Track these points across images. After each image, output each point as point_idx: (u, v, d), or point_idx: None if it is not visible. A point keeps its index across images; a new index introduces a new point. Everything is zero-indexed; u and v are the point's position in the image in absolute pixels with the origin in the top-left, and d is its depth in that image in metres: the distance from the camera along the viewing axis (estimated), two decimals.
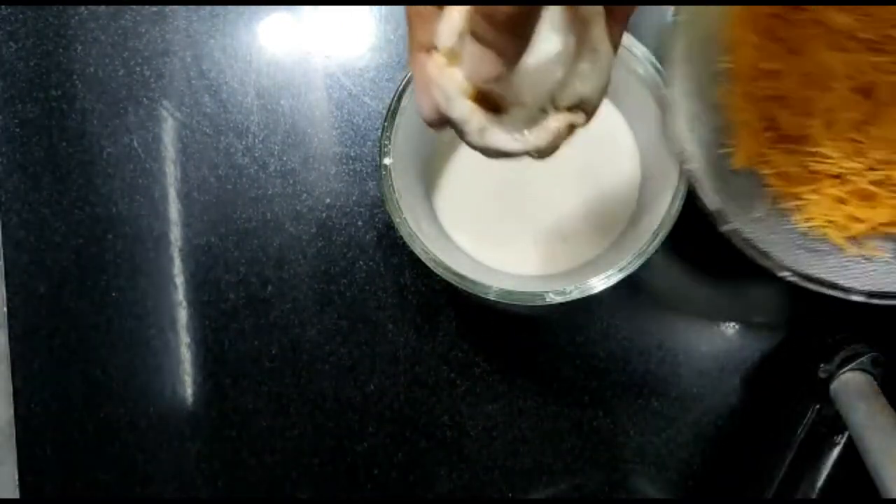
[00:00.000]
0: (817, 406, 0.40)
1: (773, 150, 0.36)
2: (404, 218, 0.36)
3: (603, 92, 0.28)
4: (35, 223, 0.44)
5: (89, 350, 0.44)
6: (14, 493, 0.44)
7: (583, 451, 0.43)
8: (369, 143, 0.43)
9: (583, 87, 0.27)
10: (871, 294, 0.34)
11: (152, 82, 0.44)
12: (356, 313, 0.43)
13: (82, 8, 0.44)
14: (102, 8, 0.44)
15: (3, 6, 0.45)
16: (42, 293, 0.44)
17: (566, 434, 0.43)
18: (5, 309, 0.44)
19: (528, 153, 0.28)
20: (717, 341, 0.43)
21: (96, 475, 0.44)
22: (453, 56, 0.26)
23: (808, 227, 0.36)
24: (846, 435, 0.39)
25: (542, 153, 0.28)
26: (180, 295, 0.44)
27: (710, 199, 0.34)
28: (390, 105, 0.36)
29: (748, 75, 0.36)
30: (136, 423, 0.44)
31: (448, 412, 0.43)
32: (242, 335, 0.43)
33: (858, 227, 0.36)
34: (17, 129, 0.44)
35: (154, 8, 0.44)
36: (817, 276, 0.34)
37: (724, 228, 0.34)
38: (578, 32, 0.27)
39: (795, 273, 0.34)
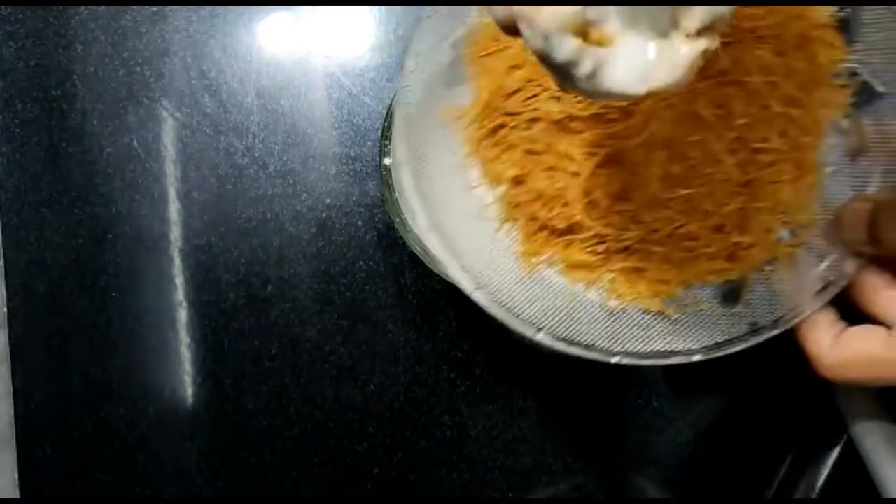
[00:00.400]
0: (818, 406, 0.40)
1: (554, 246, 0.37)
2: (404, 218, 0.36)
3: (736, 7, 0.23)
4: (35, 223, 0.44)
5: (89, 350, 0.44)
6: (14, 494, 0.44)
7: (583, 451, 0.43)
8: (369, 143, 0.43)
9: (705, 6, 0.22)
10: (709, 349, 0.34)
11: (152, 82, 0.44)
12: (356, 313, 0.43)
13: (82, 8, 0.44)
14: (102, 8, 0.44)
15: (3, 6, 0.45)
16: (42, 293, 0.44)
17: (566, 434, 0.43)
18: (5, 309, 0.44)
19: (651, 93, 0.23)
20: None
21: (96, 475, 0.44)
22: None
23: (621, 305, 0.36)
24: (846, 435, 0.39)
25: (669, 92, 0.23)
26: (180, 295, 0.44)
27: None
28: (390, 105, 0.36)
29: (500, 184, 0.37)
30: (136, 423, 0.44)
31: (448, 412, 0.43)
32: (242, 335, 0.43)
33: (667, 289, 0.36)
34: (17, 129, 0.44)
35: (154, 8, 0.44)
36: (650, 350, 0.35)
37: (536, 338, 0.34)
38: None
39: (627, 355, 0.34)
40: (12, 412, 0.44)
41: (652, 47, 0.23)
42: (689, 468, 0.43)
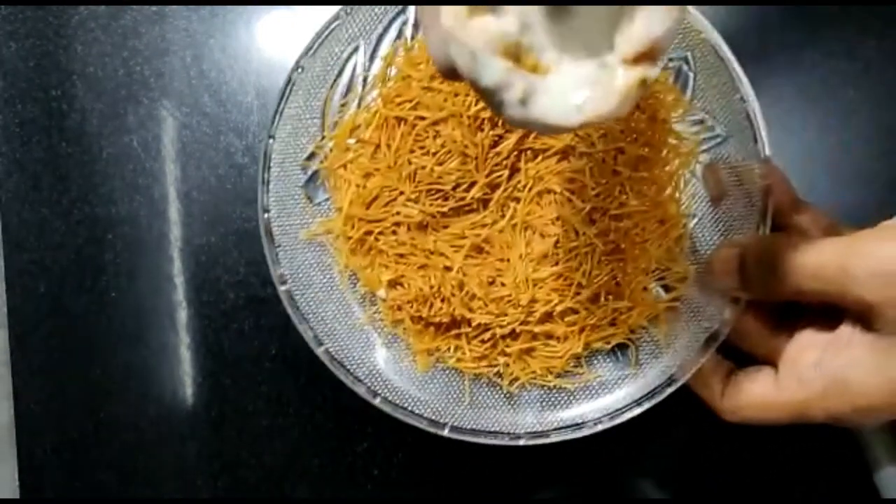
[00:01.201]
0: None
1: (443, 341, 0.38)
2: None
3: (676, 30, 0.21)
4: (35, 223, 0.44)
5: (89, 350, 0.44)
6: (14, 494, 0.44)
7: (583, 452, 0.43)
8: None
9: (652, 24, 0.21)
10: (611, 416, 0.36)
11: (152, 82, 0.44)
12: None
13: (82, 8, 0.44)
14: (102, 8, 0.44)
15: (3, 6, 0.45)
16: (42, 293, 0.44)
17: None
18: (5, 309, 0.44)
19: (586, 124, 0.22)
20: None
21: (96, 475, 0.44)
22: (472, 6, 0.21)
23: (518, 386, 0.38)
24: (847, 435, 0.39)
25: (604, 123, 0.22)
26: (180, 295, 0.44)
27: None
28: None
29: (378, 289, 0.38)
30: (136, 423, 0.44)
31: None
32: (242, 335, 0.43)
33: (559, 363, 0.37)
34: (17, 129, 0.44)
35: (154, 8, 0.44)
36: (555, 427, 0.36)
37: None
38: None
39: (533, 435, 0.36)
40: (12, 412, 0.44)
41: (588, 75, 0.22)
42: (689, 468, 0.43)
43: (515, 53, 0.21)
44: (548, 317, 0.37)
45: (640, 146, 0.37)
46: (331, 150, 0.39)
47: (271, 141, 0.37)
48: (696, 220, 0.38)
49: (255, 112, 0.44)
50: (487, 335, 0.37)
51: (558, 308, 0.37)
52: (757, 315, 0.35)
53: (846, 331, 0.31)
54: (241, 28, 0.44)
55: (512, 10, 0.21)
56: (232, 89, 0.44)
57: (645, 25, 0.21)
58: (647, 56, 0.21)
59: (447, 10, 0.21)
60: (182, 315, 0.44)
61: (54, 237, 0.44)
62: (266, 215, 0.37)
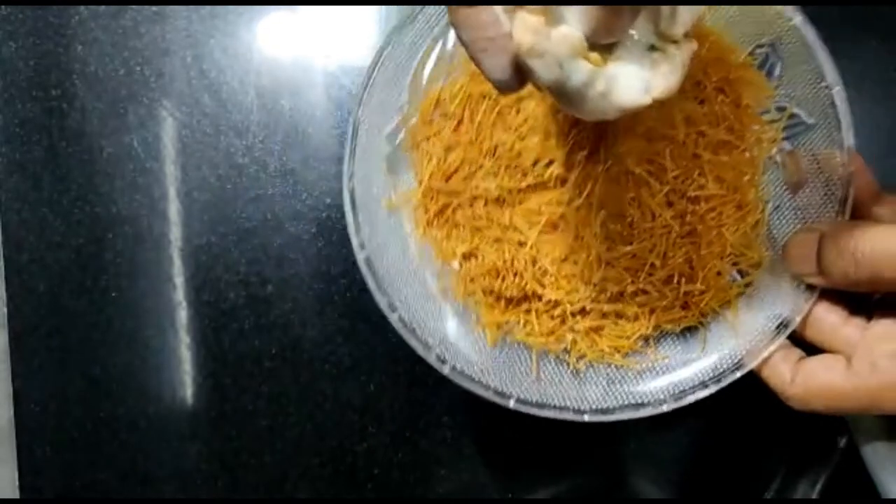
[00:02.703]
0: None
1: (513, 315, 0.38)
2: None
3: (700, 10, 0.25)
4: (35, 223, 0.44)
5: (89, 350, 0.44)
6: (14, 494, 0.44)
7: (583, 451, 0.43)
8: None
9: (693, 9, 0.25)
10: (675, 396, 0.35)
11: (152, 82, 0.44)
12: (356, 313, 0.43)
13: (82, 8, 0.44)
14: (102, 8, 0.44)
15: (2, 6, 0.45)
16: (42, 293, 0.44)
17: (566, 434, 0.43)
18: (5, 309, 0.44)
19: (655, 101, 0.25)
20: None
21: (96, 475, 0.44)
22: (547, 13, 0.23)
23: (585, 364, 0.38)
24: (847, 435, 0.39)
25: (668, 97, 0.25)
26: (180, 295, 0.44)
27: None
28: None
29: (453, 261, 0.38)
30: (136, 423, 0.44)
31: (448, 412, 0.43)
32: (242, 335, 0.44)
33: (627, 343, 0.37)
34: (17, 129, 0.44)
35: (154, 8, 0.44)
36: (620, 404, 0.36)
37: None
38: None
39: (597, 412, 0.36)
40: (12, 412, 0.44)
41: (648, 59, 0.25)
42: (689, 468, 0.43)
43: (585, 54, 0.24)
44: (619, 296, 0.37)
45: (722, 130, 0.36)
46: (415, 124, 0.38)
47: (361, 111, 0.37)
48: (773, 207, 0.37)
49: (255, 112, 0.44)
50: (557, 311, 0.37)
51: (630, 288, 0.36)
52: (830, 305, 0.34)
53: None
54: (241, 28, 0.44)
55: (573, 16, 0.24)
56: (232, 89, 0.44)
57: (689, 10, 0.24)
58: (686, 36, 0.25)
59: (523, 27, 0.23)
60: (182, 315, 0.44)
61: (54, 237, 0.44)
62: (351, 182, 0.37)
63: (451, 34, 0.38)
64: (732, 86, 0.37)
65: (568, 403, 0.36)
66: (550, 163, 0.37)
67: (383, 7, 0.44)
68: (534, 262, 0.37)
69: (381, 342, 0.43)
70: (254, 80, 0.44)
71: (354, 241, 0.37)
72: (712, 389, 0.35)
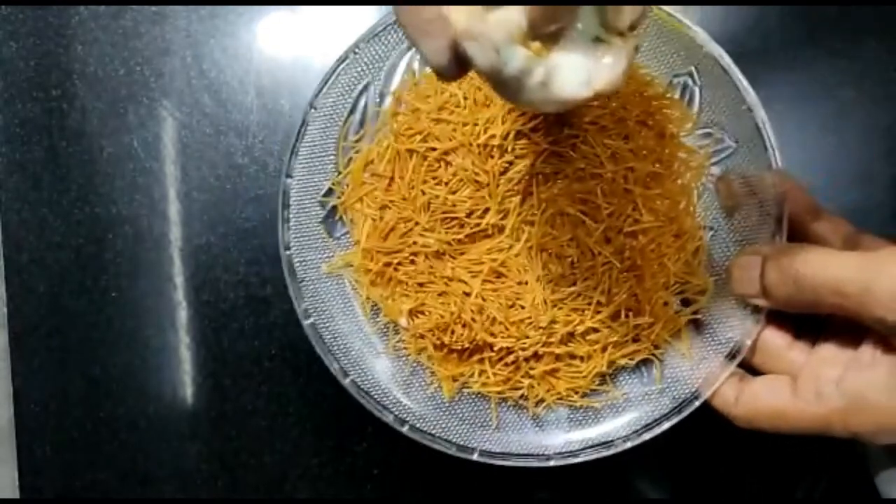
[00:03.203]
0: None
1: (467, 366, 0.38)
2: None
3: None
4: (35, 223, 0.44)
5: (89, 350, 0.44)
6: (14, 493, 0.44)
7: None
8: None
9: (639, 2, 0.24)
10: (638, 432, 0.36)
11: (152, 82, 0.44)
12: None
13: (82, 8, 0.44)
14: (102, 8, 0.44)
15: (3, 6, 0.45)
16: (42, 293, 0.44)
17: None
18: (5, 309, 0.44)
19: (597, 95, 0.24)
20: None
21: (96, 475, 0.44)
22: None
23: (545, 408, 0.38)
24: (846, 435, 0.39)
25: (610, 93, 0.24)
26: (180, 295, 0.44)
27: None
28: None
29: (400, 319, 0.39)
30: (136, 423, 0.44)
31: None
32: (242, 335, 0.43)
33: (584, 383, 0.38)
34: (17, 129, 0.44)
35: (154, 8, 0.44)
36: (584, 446, 0.37)
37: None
38: None
39: (562, 455, 0.37)
40: (12, 412, 0.44)
41: (592, 50, 0.24)
42: (689, 468, 0.43)
43: (524, 41, 0.23)
44: (569, 337, 0.37)
45: (650, 163, 0.37)
46: (347, 186, 0.39)
47: (289, 180, 0.38)
48: (711, 232, 0.38)
49: (255, 112, 0.44)
50: (510, 358, 0.37)
51: (579, 328, 0.37)
52: (776, 329, 0.35)
53: (867, 350, 0.31)
54: (241, 28, 0.44)
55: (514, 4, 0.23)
56: (232, 89, 0.44)
57: (634, 5, 0.24)
58: (632, 28, 0.24)
59: (459, 11, 0.22)
60: (182, 315, 0.44)
61: (54, 237, 0.44)
62: (287, 252, 0.38)
63: (371, 94, 0.39)
64: (654, 117, 0.37)
65: (532, 450, 0.37)
66: (486, 211, 0.37)
67: (383, 7, 0.44)
68: (481, 311, 0.37)
69: None
70: (254, 80, 0.44)
71: (298, 310, 0.38)
72: (673, 421, 0.36)
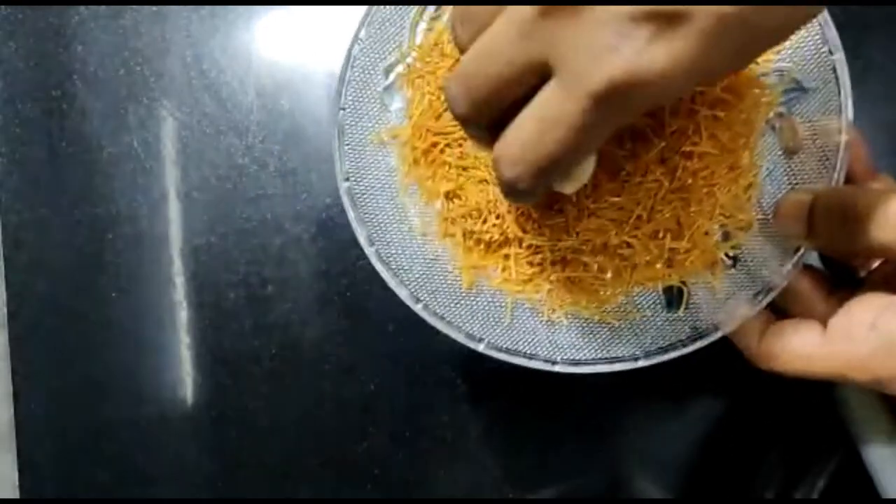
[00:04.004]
0: (819, 406, 0.40)
1: (491, 259, 0.37)
2: None
3: None
4: (35, 223, 0.44)
5: (89, 350, 0.44)
6: (14, 494, 0.44)
7: (583, 451, 0.43)
8: None
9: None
10: (651, 353, 0.35)
11: (152, 82, 0.44)
12: (356, 313, 0.43)
13: (82, 8, 0.44)
14: (102, 8, 0.44)
15: (2, 6, 0.45)
16: (42, 293, 0.44)
17: (566, 434, 0.43)
18: (5, 309, 0.44)
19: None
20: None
21: (96, 475, 0.44)
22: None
23: (560, 315, 0.37)
24: (847, 435, 0.39)
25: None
26: (180, 295, 0.44)
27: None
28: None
29: (436, 200, 0.38)
30: (136, 423, 0.44)
31: (448, 412, 0.43)
32: (242, 335, 0.43)
33: (606, 297, 0.37)
34: (17, 129, 0.44)
35: (154, 8, 0.44)
36: (592, 357, 0.36)
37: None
38: None
39: (568, 363, 0.36)
40: (12, 412, 0.44)
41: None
42: (689, 468, 0.43)
43: None
44: (602, 248, 0.36)
45: (720, 89, 0.36)
46: (412, 60, 0.38)
47: (357, 45, 0.37)
48: (766, 172, 0.37)
49: (255, 112, 0.44)
50: (537, 258, 0.37)
51: (614, 241, 0.36)
52: (813, 277, 0.34)
53: None
54: (241, 28, 0.44)
55: None
56: (232, 89, 0.44)
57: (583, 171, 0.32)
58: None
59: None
60: (182, 315, 0.44)
61: (54, 237, 0.44)
62: (341, 112, 0.37)
63: None
64: None
65: (539, 352, 0.36)
66: None
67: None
68: (517, 206, 0.37)
69: (381, 342, 0.43)
70: (254, 80, 0.44)
71: (338, 170, 0.37)
72: (690, 348, 0.35)
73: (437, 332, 0.43)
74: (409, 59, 0.38)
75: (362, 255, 0.43)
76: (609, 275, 0.37)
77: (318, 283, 0.43)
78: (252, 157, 0.44)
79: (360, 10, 0.44)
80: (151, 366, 0.44)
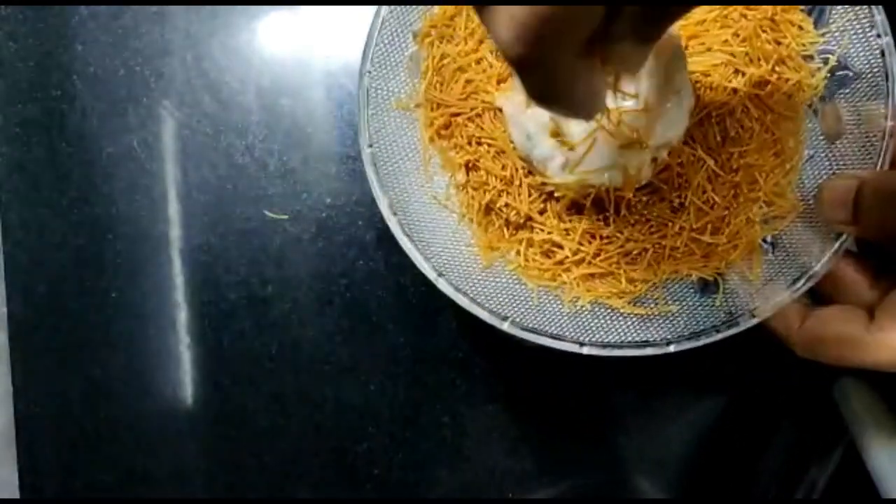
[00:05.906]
0: (819, 406, 0.40)
1: (510, 243, 0.37)
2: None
3: (683, 132, 0.31)
4: (35, 223, 0.44)
5: (89, 350, 0.44)
6: (14, 494, 0.44)
7: (583, 451, 0.43)
8: None
9: (667, 131, 0.30)
10: (684, 338, 0.34)
11: (152, 82, 0.44)
12: (356, 313, 0.43)
13: (82, 8, 0.44)
14: (102, 8, 0.44)
15: (3, 6, 0.45)
16: (42, 293, 0.44)
17: (566, 434, 0.43)
18: (5, 309, 0.44)
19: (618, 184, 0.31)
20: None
21: (96, 475, 0.44)
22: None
23: (584, 303, 0.36)
24: (848, 435, 0.39)
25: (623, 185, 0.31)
26: (180, 295, 0.44)
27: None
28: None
29: (455, 171, 0.37)
30: (136, 423, 0.44)
31: (448, 412, 0.43)
32: (242, 335, 0.43)
33: (632, 289, 0.36)
34: (17, 129, 0.44)
35: (154, 8, 0.44)
36: (623, 340, 0.34)
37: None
38: (663, 76, 0.30)
39: (597, 345, 0.34)
40: (12, 412, 0.44)
41: (618, 154, 0.31)
42: (688, 468, 0.43)
43: (556, 132, 0.30)
44: (635, 257, 0.36)
45: (763, 69, 0.35)
46: (439, 24, 0.37)
47: (385, 10, 0.36)
48: (806, 157, 0.36)
49: (255, 112, 0.44)
50: (558, 256, 0.36)
51: (667, 242, 0.35)
52: (856, 264, 0.33)
53: None
54: (241, 28, 0.44)
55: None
56: (232, 89, 0.44)
57: (665, 129, 0.32)
58: (662, 147, 0.30)
59: (509, 100, 0.30)
60: (182, 315, 0.44)
61: (54, 237, 0.44)
62: (368, 73, 0.36)
63: None
64: (778, 26, 0.35)
65: (567, 334, 0.34)
66: None
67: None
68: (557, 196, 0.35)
69: (381, 342, 0.43)
70: (254, 80, 0.44)
71: (362, 137, 0.35)
72: (724, 334, 0.33)
73: (437, 332, 0.43)
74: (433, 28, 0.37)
75: (362, 255, 0.43)
76: (636, 272, 0.36)
77: (318, 283, 0.43)
78: (252, 157, 0.44)
79: (361, 10, 0.44)
80: (151, 366, 0.44)
